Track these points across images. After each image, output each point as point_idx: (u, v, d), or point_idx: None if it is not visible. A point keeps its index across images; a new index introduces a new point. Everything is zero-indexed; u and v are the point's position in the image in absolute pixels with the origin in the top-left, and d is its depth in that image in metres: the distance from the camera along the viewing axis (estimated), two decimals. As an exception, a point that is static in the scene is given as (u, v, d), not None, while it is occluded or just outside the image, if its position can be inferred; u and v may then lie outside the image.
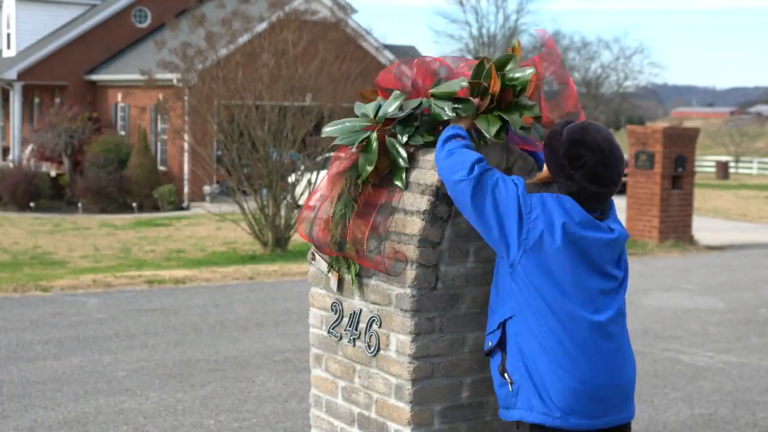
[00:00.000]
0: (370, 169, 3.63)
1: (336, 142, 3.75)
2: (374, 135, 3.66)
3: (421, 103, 3.68)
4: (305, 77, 16.91)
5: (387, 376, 3.64)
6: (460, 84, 3.63)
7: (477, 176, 3.31)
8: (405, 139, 3.67)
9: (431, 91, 3.68)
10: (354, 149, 3.70)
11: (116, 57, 33.85)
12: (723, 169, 45.04)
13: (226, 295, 11.07)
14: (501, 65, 3.64)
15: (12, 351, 8.18)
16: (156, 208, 28.41)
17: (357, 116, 3.80)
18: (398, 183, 3.67)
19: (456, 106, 3.60)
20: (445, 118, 3.62)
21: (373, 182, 3.68)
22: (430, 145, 3.65)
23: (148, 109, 29.10)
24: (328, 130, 3.80)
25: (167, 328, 9.16)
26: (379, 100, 3.81)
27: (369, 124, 3.72)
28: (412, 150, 3.68)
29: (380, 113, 3.70)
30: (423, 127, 3.69)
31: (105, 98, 33.59)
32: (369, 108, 3.77)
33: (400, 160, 3.66)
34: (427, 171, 3.59)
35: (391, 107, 3.69)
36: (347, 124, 3.78)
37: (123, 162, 29.45)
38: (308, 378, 5.92)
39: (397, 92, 3.73)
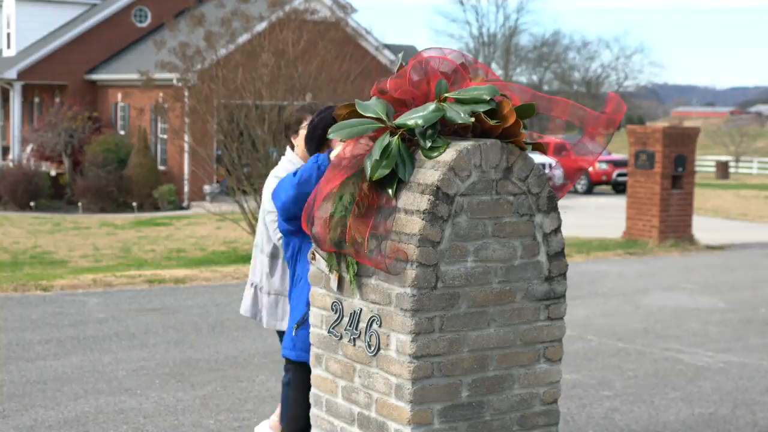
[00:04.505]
0: (385, 172, 3.59)
1: (340, 136, 3.68)
2: (397, 140, 3.61)
3: (442, 109, 3.63)
4: (305, 77, 16.91)
5: (387, 375, 3.64)
6: (490, 92, 3.62)
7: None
8: (429, 144, 3.61)
9: (453, 95, 3.65)
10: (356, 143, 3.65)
11: (116, 57, 33.86)
12: (723, 168, 45.05)
13: (226, 294, 11.07)
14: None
15: (12, 351, 8.18)
16: (156, 208, 28.43)
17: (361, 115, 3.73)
18: (390, 191, 3.63)
19: (474, 109, 3.60)
20: (460, 121, 3.60)
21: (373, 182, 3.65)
22: (441, 148, 3.60)
23: (147, 109, 29.13)
24: (334, 133, 3.71)
25: (167, 328, 9.16)
26: (376, 101, 3.74)
27: (380, 125, 3.67)
28: (411, 150, 3.66)
29: (408, 121, 3.60)
30: (437, 131, 3.65)
31: (105, 98, 33.60)
32: (378, 108, 3.69)
33: (407, 171, 3.59)
34: (426, 171, 3.59)
35: (427, 118, 3.58)
36: (355, 126, 3.68)
37: (123, 162, 29.46)
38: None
39: (435, 104, 3.63)
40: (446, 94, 3.67)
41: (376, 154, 3.60)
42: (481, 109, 3.61)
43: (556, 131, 4.27)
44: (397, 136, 3.62)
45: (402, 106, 3.76)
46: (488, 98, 3.62)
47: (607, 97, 3.92)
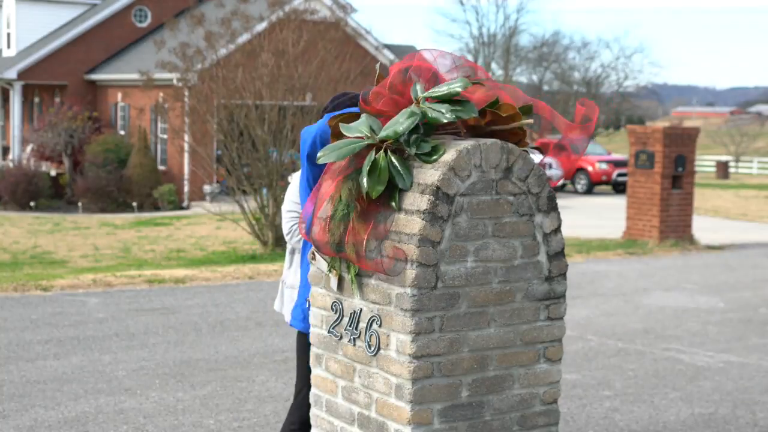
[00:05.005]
0: (381, 189, 3.58)
1: (330, 159, 3.66)
2: (382, 154, 3.60)
3: (422, 113, 3.62)
4: (305, 77, 16.92)
5: (387, 375, 3.64)
6: (462, 84, 3.60)
7: None
8: (414, 150, 3.61)
9: (428, 95, 3.64)
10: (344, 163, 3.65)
11: (116, 56, 33.86)
12: (723, 168, 45.08)
13: (226, 294, 11.07)
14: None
15: (12, 351, 8.18)
16: (156, 208, 28.44)
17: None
18: (393, 203, 3.61)
19: (455, 108, 3.59)
20: (445, 121, 3.59)
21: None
22: (433, 152, 3.59)
23: (147, 109, 29.19)
24: (323, 157, 3.69)
25: (167, 328, 9.16)
26: (362, 118, 3.72)
27: (368, 142, 3.66)
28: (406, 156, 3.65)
29: (388, 133, 3.59)
30: (424, 134, 3.64)
31: (105, 98, 33.60)
32: (362, 127, 3.68)
33: (406, 179, 3.58)
34: (426, 171, 3.59)
35: (403, 126, 3.57)
36: (343, 147, 3.67)
37: (123, 162, 29.46)
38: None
39: (409, 110, 3.62)
40: (422, 95, 3.66)
41: (365, 172, 3.60)
42: (464, 113, 3.59)
43: (546, 132, 4.26)
44: (382, 150, 3.60)
45: (390, 114, 3.75)
46: (460, 90, 3.60)
47: (577, 107, 3.91)
